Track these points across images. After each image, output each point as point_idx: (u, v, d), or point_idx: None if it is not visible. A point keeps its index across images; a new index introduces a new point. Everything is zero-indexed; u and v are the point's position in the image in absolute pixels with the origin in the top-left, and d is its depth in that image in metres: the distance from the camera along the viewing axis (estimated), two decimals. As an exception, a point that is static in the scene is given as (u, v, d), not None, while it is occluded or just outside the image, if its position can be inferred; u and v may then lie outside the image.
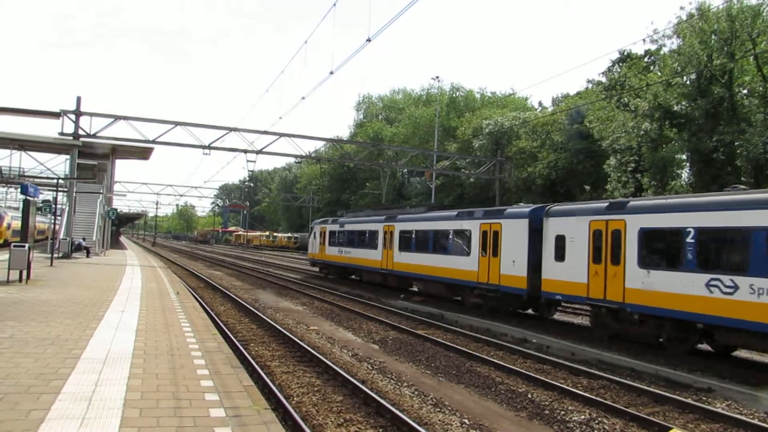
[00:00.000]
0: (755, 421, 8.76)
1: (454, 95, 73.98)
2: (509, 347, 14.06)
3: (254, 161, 53.24)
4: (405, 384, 10.69)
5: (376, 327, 17.24)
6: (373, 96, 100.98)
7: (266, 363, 11.69)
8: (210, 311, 17.62)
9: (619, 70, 47.53)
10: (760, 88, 32.22)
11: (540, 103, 69.97)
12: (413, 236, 24.28)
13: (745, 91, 34.44)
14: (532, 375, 11.21)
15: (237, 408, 6.62)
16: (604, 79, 52.00)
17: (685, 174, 38.59)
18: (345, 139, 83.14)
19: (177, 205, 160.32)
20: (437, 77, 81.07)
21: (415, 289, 26.63)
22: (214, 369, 8.42)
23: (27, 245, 18.57)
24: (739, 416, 8.97)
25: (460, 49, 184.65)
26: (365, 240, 28.52)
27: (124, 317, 12.63)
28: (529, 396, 10.02)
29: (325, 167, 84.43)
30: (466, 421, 8.63)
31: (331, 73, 23.71)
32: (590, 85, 56.20)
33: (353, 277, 32.66)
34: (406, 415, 8.38)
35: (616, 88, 44.17)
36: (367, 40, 19.10)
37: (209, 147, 34.39)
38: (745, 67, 34.13)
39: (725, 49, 32.76)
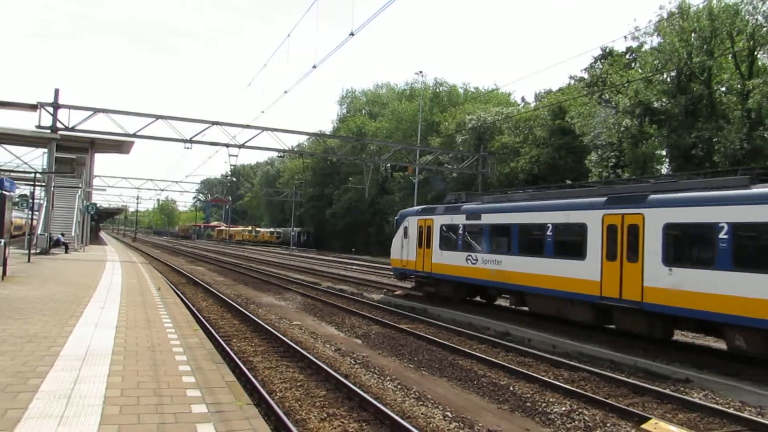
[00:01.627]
0: (730, 410, 8.92)
1: (437, 90, 74.05)
2: (491, 341, 14.18)
3: (236, 155, 52.76)
4: (388, 378, 10.72)
5: (359, 322, 17.26)
6: (356, 90, 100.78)
7: (249, 359, 11.65)
8: (192, 307, 17.50)
9: (600, 66, 47.91)
10: (738, 86, 32.64)
11: (523, 99, 70.30)
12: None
13: (723, 89, 34.86)
14: (514, 368, 11.30)
15: (219, 404, 6.58)
16: (586, 76, 52.37)
17: (664, 169, 39.03)
18: (328, 133, 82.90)
19: (158, 200, 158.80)
20: (421, 72, 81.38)
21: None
22: (196, 365, 8.37)
23: (2, 241, 18.27)
24: (715, 406, 9.13)
25: (444, 44, 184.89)
26: (549, 241, 15.95)
27: (104, 314, 12.50)
28: (511, 388, 10.11)
29: (307, 162, 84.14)
30: (449, 413, 8.68)
31: (314, 66, 23.61)
32: (572, 81, 56.57)
33: (477, 298, 21.35)
34: (389, 409, 8.40)
35: (598, 84, 44.50)
36: (350, 34, 19.05)
37: (191, 141, 34.09)
38: (724, 65, 34.58)
39: (704, 47, 33.15)
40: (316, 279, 31.16)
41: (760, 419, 8.55)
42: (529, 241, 16.90)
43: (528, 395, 9.73)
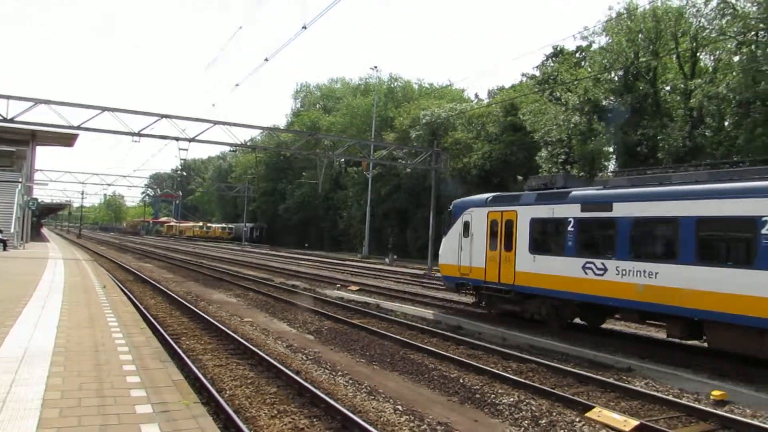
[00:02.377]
0: (669, 397, 9.28)
1: (392, 86, 74.19)
2: (443, 334, 14.33)
3: (187, 149, 51.71)
4: (340, 373, 10.70)
5: (311, 317, 17.17)
6: (311, 85, 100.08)
7: (198, 357, 11.44)
8: (139, 305, 17.05)
9: (552, 64, 48.93)
10: (681, 85, 33.84)
11: (476, 95, 71.15)
12: None
13: (668, 88, 36.13)
14: (465, 360, 11.46)
15: (165, 403, 6.45)
16: (537, 73, 53.38)
17: (611, 166, 40.17)
18: (282, 127, 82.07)
19: (104, 195, 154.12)
20: (375, 67, 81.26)
21: (364, 281, 23.71)
22: (141, 364, 8.17)
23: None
24: (655, 393, 9.49)
25: (399, 39, 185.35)
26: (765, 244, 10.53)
27: (45, 313, 12.05)
28: (461, 381, 10.24)
29: (261, 156, 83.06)
30: (400, 407, 8.74)
31: (266, 60, 23.31)
32: (524, 79, 57.58)
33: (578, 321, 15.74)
34: (340, 404, 8.40)
35: (549, 82, 45.44)
36: (302, 27, 18.89)
37: (139, 134, 33.13)
38: (668, 65, 35.82)
39: (650, 47, 34.26)
40: (268, 275, 30.84)
41: (696, 405, 8.92)
42: (716, 243, 11.96)
43: (478, 387, 9.88)
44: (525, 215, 15.55)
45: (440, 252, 19.20)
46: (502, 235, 16.19)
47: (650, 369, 11.17)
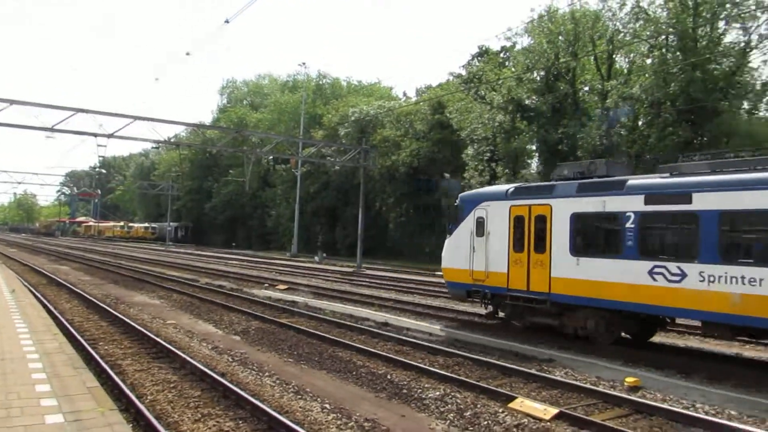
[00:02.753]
0: (587, 385, 9.70)
1: (320, 83, 73.76)
2: (371, 331, 14.39)
3: (105, 146, 49.14)
4: (267, 374, 10.55)
5: (238, 318, 16.82)
6: (237, 80, 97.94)
7: (117, 362, 10.95)
8: (53, 310, 16.15)
9: (477, 64, 50.07)
10: (599, 86, 35.45)
11: (404, 94, 71.84)
12: None
13: (586, 88, 37.72)
14: (392, 356, 11.54)
15: (78, 412, 6.14)
16: (464, 72, 54.46)
17: (534, 163, 41.56)
18: (208, 124, 79.84)
19: (14, 193, 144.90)
20: (304, 64, 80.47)
21: (293, 280, 23.56)
22: (53, 372, 7.75)
23: None
24: (574, 382, 9.89)
25: (327, 37, 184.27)
26: None
27: (-55, 320, 11.22)
28: (389, 377, 10.31)
29: (185, 153, 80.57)
30: (327, 405, 8.70)
31: (188, 54, 22.60)
32: (452, 78, 58.65)
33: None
34: (266, 405, 8.28)
35: (474, 81, 46.47)
36: (225, 21, 18.44)
37: (53, 129, 31.36)
38: (587, 66, 37.40)
39: (570, 49, 35.66)
40: (193, 275, 29.98)
41: (612, 392, 9.36)
42: None
43: (405, 382, 9.98)
44: (563, 210, 13.06)
45: (444, 254, 16.31)
46: (530, 233, 13.69)
47: (570, 359, 11.65)
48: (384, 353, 11.87)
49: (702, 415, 8.26)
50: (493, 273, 14.51)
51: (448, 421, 8.17)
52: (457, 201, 16.34)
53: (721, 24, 30.84)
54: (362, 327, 14.96)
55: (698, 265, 10.69)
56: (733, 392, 9.59)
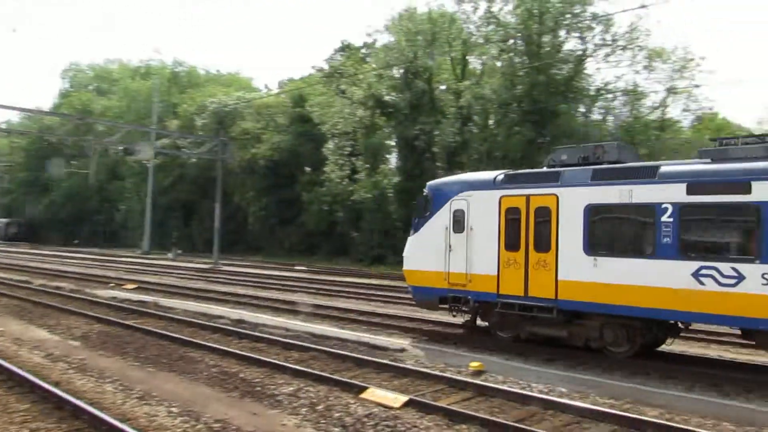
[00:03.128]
0: (435, 372, 10.17)
1: (176, 70, 70.10)
2: (225, 329, 13.96)
3: None
4: (108, 380, 9.83)
5: (78, 321, 15.48)
6: (82, 63, 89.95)
7: None
8: None
9: (339, 58, 50.31)
10: (454, 85, 37.17)
11: (266, 86, 70.36)
12: None
13: (443, 87, 39.35)
14: (246, 354, 11.30)
15: None
16: (326, 66, 54.48)
17: (393, 159, 42.66)
18: (46, 110, 72.62)
19: None
20: (158, 49, 75.78)
21: (143, 278, 22.85)
22: None
23: None
24: (423, 369, 10.29)
25: (184, 22, 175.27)
26: None
27: None
28: (242, 375, 10.07)
29: (18, 142, 72.67)
30: (175, 408, 8.30)
31: (14, 30, 20.32)
32: (314, 71, 58.42)
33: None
34: (106, 413, 7.73)
35: (336, 75, 46.69)
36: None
37: None
38: (443, 66, 39.01)
39: (427, 48, 37.00)
40: (27, 277, 27.14)
41: (457, 377, 9.86)
42: None
43: (258, 380, 9.80)
44: (575, 200, 11.17)
45: (407, 253, 13.96)
46: (529, 229, 11.76)
47: (421, 347, 12.16)
48: (237, 351, 11.57)
49: (536, 394, 8.97)
50: (478, 276, 12.35)
51: (301, 416, 8.13)
52: (425, 191, 14.00)
53: (562, 33, 33.78)
54: (216, 325, 14.48)
55: (760, 266, 9.18)
56: (563, 372, 10.53)
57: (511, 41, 34.26)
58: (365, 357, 11.03)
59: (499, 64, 35.89)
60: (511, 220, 12.02)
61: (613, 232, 11.18)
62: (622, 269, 10.51)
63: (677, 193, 10.01)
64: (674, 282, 9.88)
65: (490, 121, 35.66)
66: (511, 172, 13.06)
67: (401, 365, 10.52)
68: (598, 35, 33.34)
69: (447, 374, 10.05)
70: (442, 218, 13.03)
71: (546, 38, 33.30)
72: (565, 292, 11.14)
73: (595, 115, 34.80)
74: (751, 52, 74.88)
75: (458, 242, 12.66)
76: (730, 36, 73.59)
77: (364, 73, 39.86)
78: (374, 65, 41.91)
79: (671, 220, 10.00)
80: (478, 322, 13.24)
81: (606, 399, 8.90)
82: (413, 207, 15.59)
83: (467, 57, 37.95)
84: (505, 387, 9.32)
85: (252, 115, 49.31)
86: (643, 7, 27.98)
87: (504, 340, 12.42)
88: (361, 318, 15.61)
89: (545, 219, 11.53)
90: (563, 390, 9.33)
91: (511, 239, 11.98)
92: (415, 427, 7.65)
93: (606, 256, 10.77)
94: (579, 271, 10.97)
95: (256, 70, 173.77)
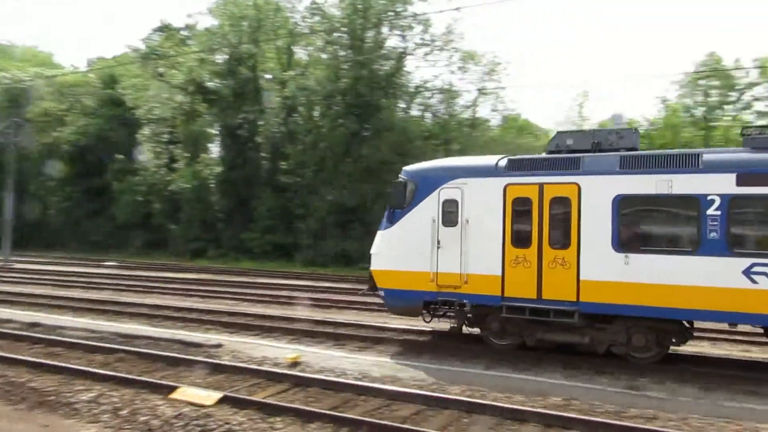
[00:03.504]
0: (252, 366, 9.99)
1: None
2: (14, 335, 12.38)
3: None
4: None
5: None
6: None
7: None
8: None
9: (157, 39, 47.11)
10: (279, 75, 36.69)
11: (73, 65, 63.60)
12: None
13: (268, 76, 38.65)
14: (38, 360, 10.11)
15: None
16: (143, 47, 50.76)
17: (215, 148, 41.07)
18: None
19: None
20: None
21: None
22: None
23: None
24: (240, 364, 10.03)
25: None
26: None
27: None
28: (32, 384, 9.00)
29: None
30: (-59, 431, 7.20)
31: None
32: (129, 51, 54.09)
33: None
34: None
35: (153, 57, 43.70)
36: None
37: None
38: (269, 55, 38.32)
39: (253, 35, 36.05)
40: None
41: (275, 369, 9.76)
42: None
43: (53, 388, 8.83)
44: (601, 190, 10.04)
45: (377, 250, 11.96)
46: (543, 222, 10.45)
47: (239, 342, 11.90)
48: (28, 358, 10.33)
49: (350, 381, 9.22)
50: (477, 276, 10.86)
51: (102, 423, 7.54)
52: (401, 176, 11.92)
53: (385, 29, 34.97)
54: (2, 331, 12.79)
55: None
56: (378, 357, 10.98)
57: (336, 34, 34.69)
58: (178, 355, 10.49)
59: (324, 56, 36.15)
60: (519, 212, 10.63)
61: (648, 227, 10.21)
62: (659, 267, 9.63)
63: (725, 184, 9.25)
64: (722, 281, 9.20)
65: (315, 113, 35.85)
66: (516, 157, 11.43)
67: (217, 361, 10.18)
68: (418, 35, 35.17)
69: (264, 367, 9.93)
70: (427, 209, 11.28)
71: (370, 33, 34.25)
72: (588, 293, 10.03)
73: (414, 111, 36.63)
74: (550, 58, 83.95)
75: (450, 238, 11.07)
76: (533, 43, 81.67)
77: (184, 56, 37.78)
78: (196, 48, 39.99)
79: (719, 213, 9.25)
80: (470, 329, 11.84)
81: (413, 381, 9.42)
82: (369, 197, 12.98)
83: (293, 47, 37.73)
84: (321, 376, 9.42)
85: (53, 94, 44.41)
86: (457, 9, 30.07)
87: (503, 349, 11.04)
88: (175, 315, 14.88)
89: (563, 211, 10.32)
90: (376, 375, 9.70)
91: (519, 234, 10.63)
92: (228, 423, 7.44)
93: (640, 253, 9.80)
94: (606, 269, 9.93)
95: (59, 46, 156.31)
